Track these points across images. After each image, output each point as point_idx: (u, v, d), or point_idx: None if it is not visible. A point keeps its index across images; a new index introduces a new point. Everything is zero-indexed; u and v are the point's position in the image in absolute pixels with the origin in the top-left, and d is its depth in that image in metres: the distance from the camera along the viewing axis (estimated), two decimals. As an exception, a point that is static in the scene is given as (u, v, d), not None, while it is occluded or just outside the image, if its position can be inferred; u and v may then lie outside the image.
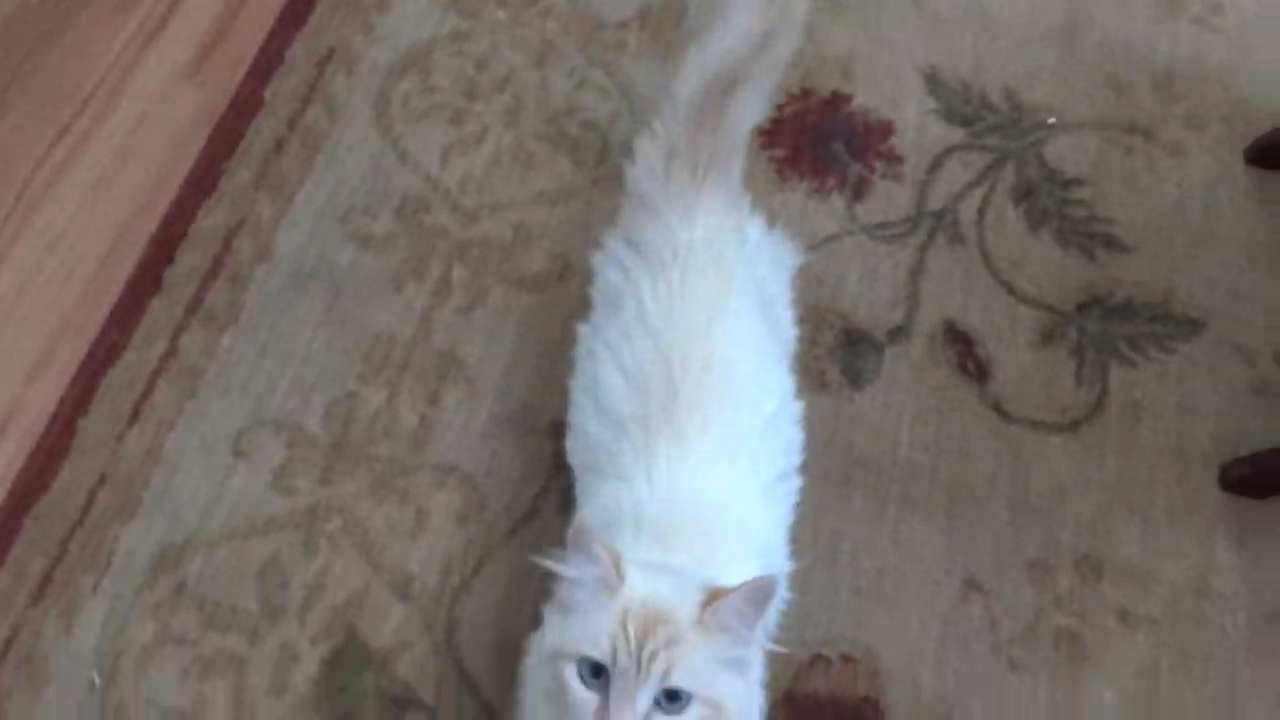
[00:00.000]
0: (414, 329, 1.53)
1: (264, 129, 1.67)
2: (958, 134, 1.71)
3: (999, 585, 1.38)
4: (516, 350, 1.52)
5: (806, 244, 1.48)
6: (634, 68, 1.74)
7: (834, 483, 1.43)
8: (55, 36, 1.73)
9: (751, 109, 1.28)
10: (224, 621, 1.33)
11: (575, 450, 1.21)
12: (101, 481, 1.41)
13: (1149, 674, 1.34)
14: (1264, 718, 1.32)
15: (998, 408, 1.50)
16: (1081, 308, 1.58)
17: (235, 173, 1.63)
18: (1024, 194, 1.67)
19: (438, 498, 1.41)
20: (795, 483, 1.19)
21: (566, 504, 1.41)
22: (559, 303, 1.56)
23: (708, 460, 1.09)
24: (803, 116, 1.72)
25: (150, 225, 1.59)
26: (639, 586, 0.93)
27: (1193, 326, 1.57)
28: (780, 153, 1.68)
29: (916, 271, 1.60)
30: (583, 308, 1.53)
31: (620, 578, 0.93)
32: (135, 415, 1.45)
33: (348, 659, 1.32)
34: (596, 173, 1.66)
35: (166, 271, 1.55)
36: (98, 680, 1.29)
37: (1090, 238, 1.64)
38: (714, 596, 0.92)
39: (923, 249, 1.62)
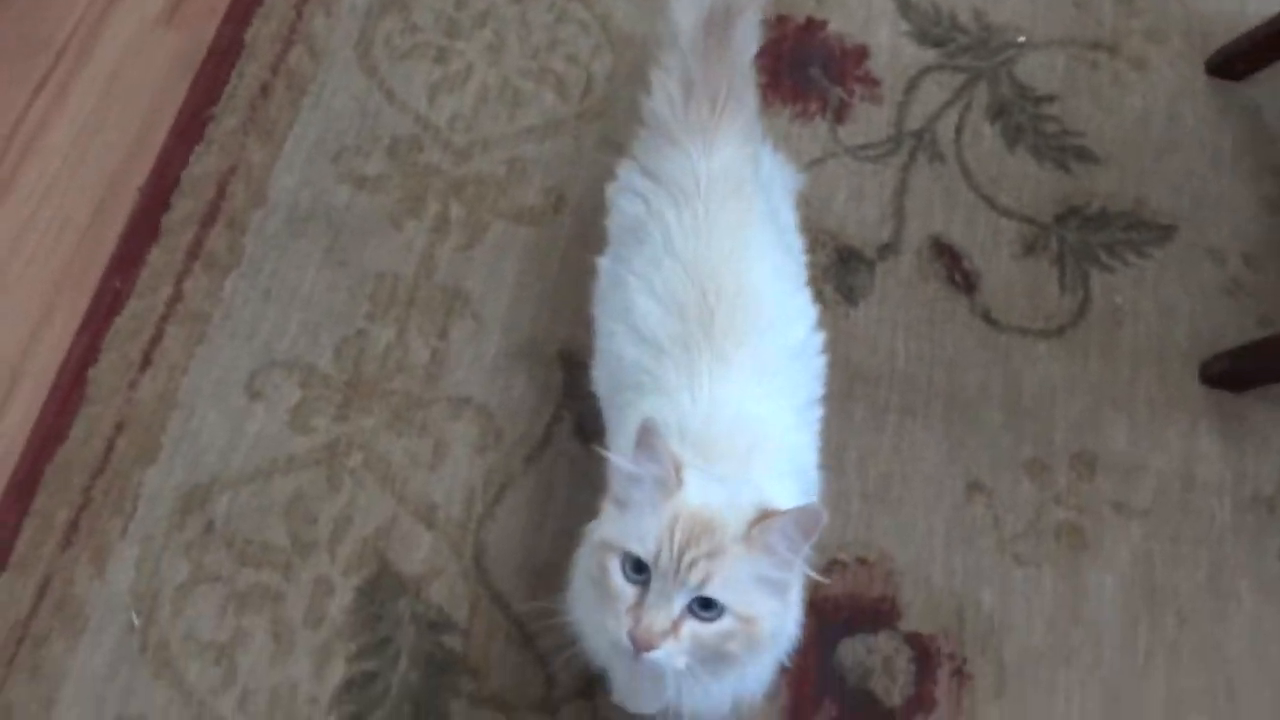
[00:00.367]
0: (416, 267, 1.54)
1: (247, 73, 1.66)
2: (931, 55, 1.76)
3: (999, 485, 1.45)
4: (519, 283, 1.54)
5: (795, 168, 1.52)
6: (613, 1, 1.76)
7: (836, 396, 1.47)
8: (19, -12, 1.70)
9: (751, 35, 1.31)
10: (256, 558, 1.35)
11: (607, 376, 1.24)
12: (119, 428, 1.41)
13: (1144, 560, 1.42)
14: (1253, 595, 1.40)
15: (986, 317, 1.56)
16: (1060, 218, 1.64)
17: (222, 119, 1.63)
18: (998, 112, 1.72)
19: (455, 429, 1.44)
20: (820, 411, 1.23)
21: (580, 430, 1.44)
22: (556, 235, 1.58)
23: (747, 379, 1.12)
24: (779, 43, 1.75)
25: (139, 174, 1.58)
26: (694, 493, 0.97)
27: (1165, 232, 1.64)
28: (761, 79, 1.71)
29: (900, 190, 1.65)
30: (580, 238, 1.57)
31: (678, 481, 0.96)
32: (146, 362, 1.45)
33: (381, 587, 1.35)
34: (581, 106, 1.68)
35: (163, 219, 1.54)
36: (136, 620, 1.31)
37: (1063, 151, 1.69)
38: (763, 516, 0.95)
39: (905, 168, 1.66)
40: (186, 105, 1.63)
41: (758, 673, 1.05)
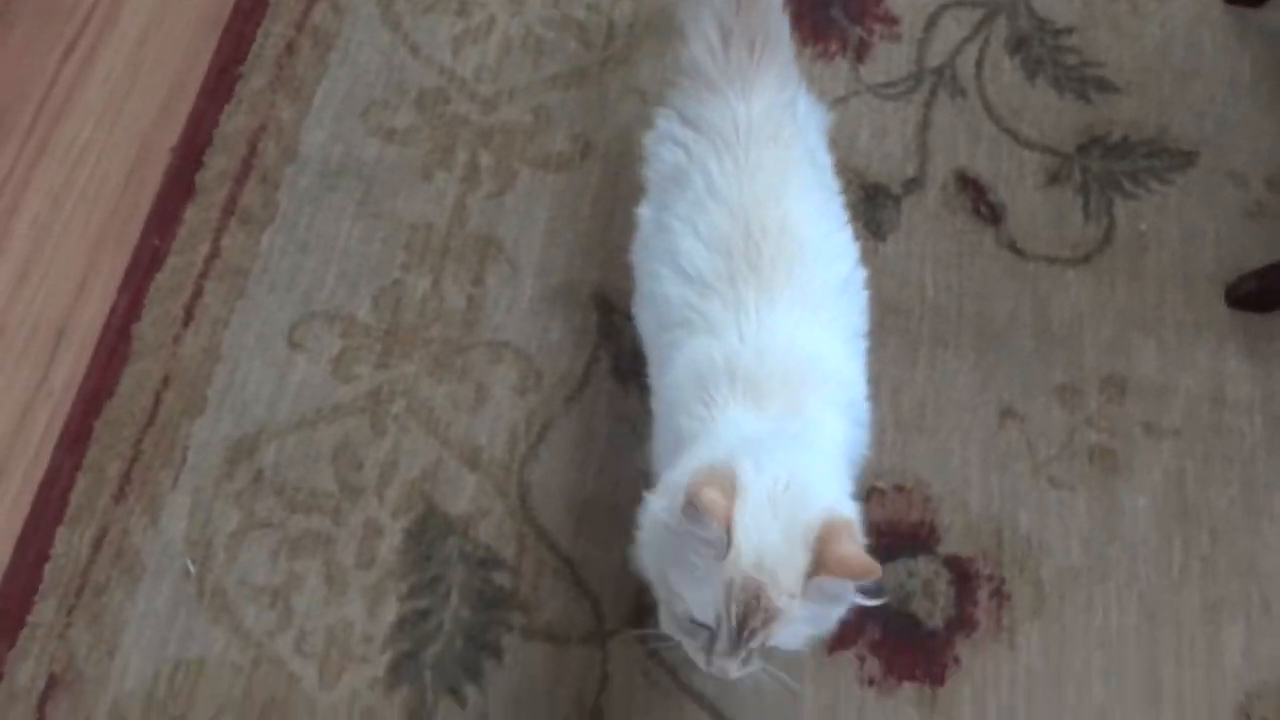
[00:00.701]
0: (448, 216, 1.56)
1: (273, 32, 1.68)
2: (949, -9, 1.77)
3: (1031, 410, 1.47)
4: (550, 229, 1.56)
5: (825, 108, 1.53)
6: (631, -53, 1.77)
7: (871, 329, 1.50)
8: (46, -46, 1.71)
9: None
10: (305, 504, 1.38)
11: (653, 317, 1.24)
12: (165, 382, 1.44)
13: (1176, 479, 1.44)
14: (1283, 508, 1.43)
15: (1013, 247, 1.58)
16: (1082, 148, 1.65)
17: (250, 78, 1.64)
18: (1017, 45, 1.73)
19: (495, 373, 1.46)
20: (866, 343, 1.24)
21: (617, 370, 1.47)
22: (586, 181, 1.60)
23: (795, 313, 1.14)
24: (798, -15, 1.76)
25: (172, 134, 1.60)
26: (746, 550, 0.96)
27: (1187, 159, 1.65)
28: (782, 21, 1.72)
29: (923, 126, 1.66)
30: (609, 184, 1.59)
31: (728, 543, 0.96)
32: (189, 317, 1.48)
33: (429, 528, 1.37)
34: (604, 54, 1.69)
35: (197, 176, 1.56)
36: (192, 567, 1.34)
37: (1083, 82, 1.70)
38: (826, 541, 0.96)
39: (927, 104, 1.68)
40: (214, 65, 1.64)
41: (830, 625, 1.06)
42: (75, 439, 1.40)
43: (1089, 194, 1.62)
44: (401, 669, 1.30)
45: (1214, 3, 1.77)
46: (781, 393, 1.10)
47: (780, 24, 1.30)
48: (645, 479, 1.17)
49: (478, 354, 1.47)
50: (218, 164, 1.58)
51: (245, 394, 1.44)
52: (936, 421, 1.46)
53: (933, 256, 1.57)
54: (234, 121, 1.61)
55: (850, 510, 1.03)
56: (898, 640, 1.33)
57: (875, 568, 0.95)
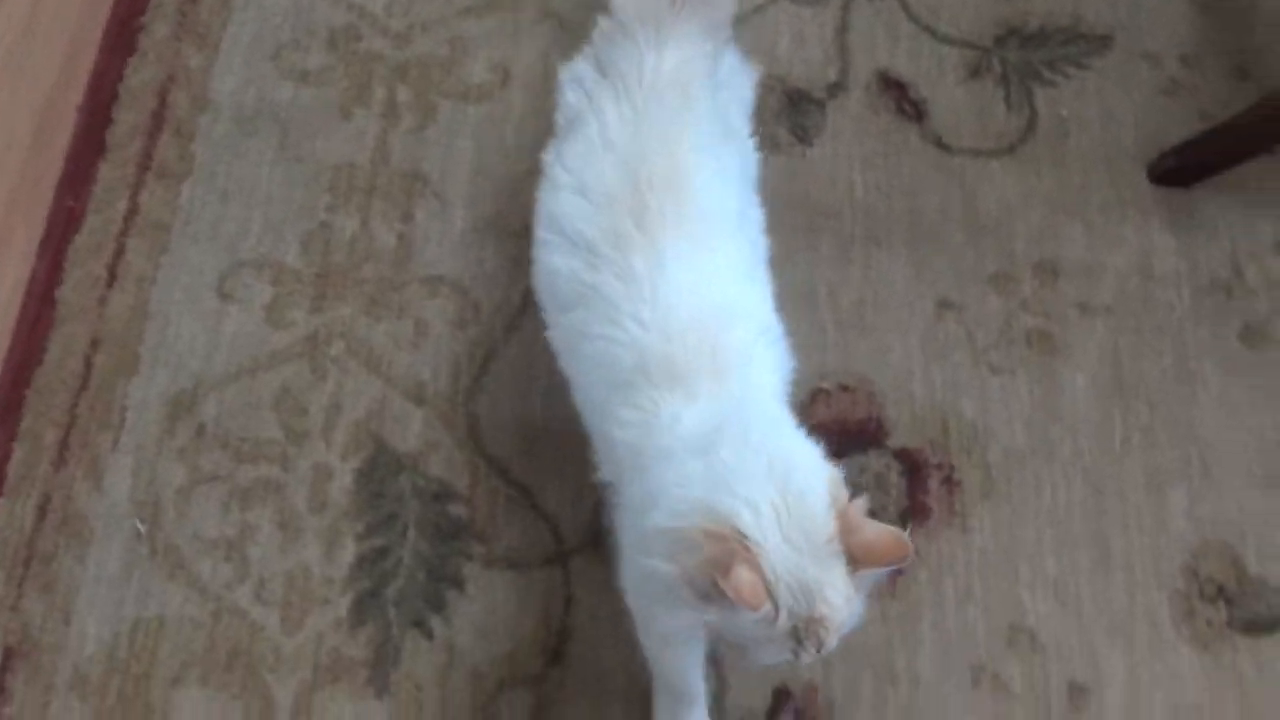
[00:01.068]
0: (371, 154, 1.54)
1: (171, -20, 1.63)
2: (857, -107, 1.75)
3: (967, 300, 1.49)
4: (476, 160, 1.55)
5: (736, 16, 1.52)
6: None
7: (801, 232, 1.51)
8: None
9: None
10: (251, 453, 1.36)
11: (548, 295, 1.19)
12: (95, 345, 1.41)
13: (1111, 355, 1.47)
14: (1217, 375, 1.46)
15: (938, 143, 1.58)
16: (999, 40, 1.66)
17: (152, 28, 1.60)
18: (928, -58, 1.72)
19: (432, 307, 1.45)
20: (766, 257, 1.22)
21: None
22: (507, 109, 1.58)
23: (689, 274, 1.09)
24: (705, -103, 1.74)
25: (76, 91, 1.55)
26: (795, 600, 0.92)
27: (1102, 43, 1.66)
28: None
29: (842, 29, 1.66)
30: (532, 110, 1.58)
31: (776, 608, 0.92)
32: (113, 277, 1.44)
33: (380, 467, 1.37)
34: (516, -21, 1.67)
35: (107, 133, 1.52)
36: (141, 527, 1.32)
37: (996, -26, 1.71)
38: (846, 536, 0.93)
39: (845, 7, 1.67)
40: (114, 17, 1.60)
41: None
42: (6, 409, 1.37)
43: (1009, 85, 1.63)
44: (364, 608, 1.30)
45: (1118, -113, 1.77)
46: (705, 371, 1.06)
47: None
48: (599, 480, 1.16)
49: (413, 290, 1.46)
50: (127, 119, 1.54)
51: (179, 349, 1.42)
52: (875, 319, 1.47)
53: (860, 157, 1.57)
54: (140, 74, 1.57)
55: (828, 469, 1.00)
56: (854, 534, 1.35)
57: (904, 542, 0.94)
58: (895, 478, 1.39)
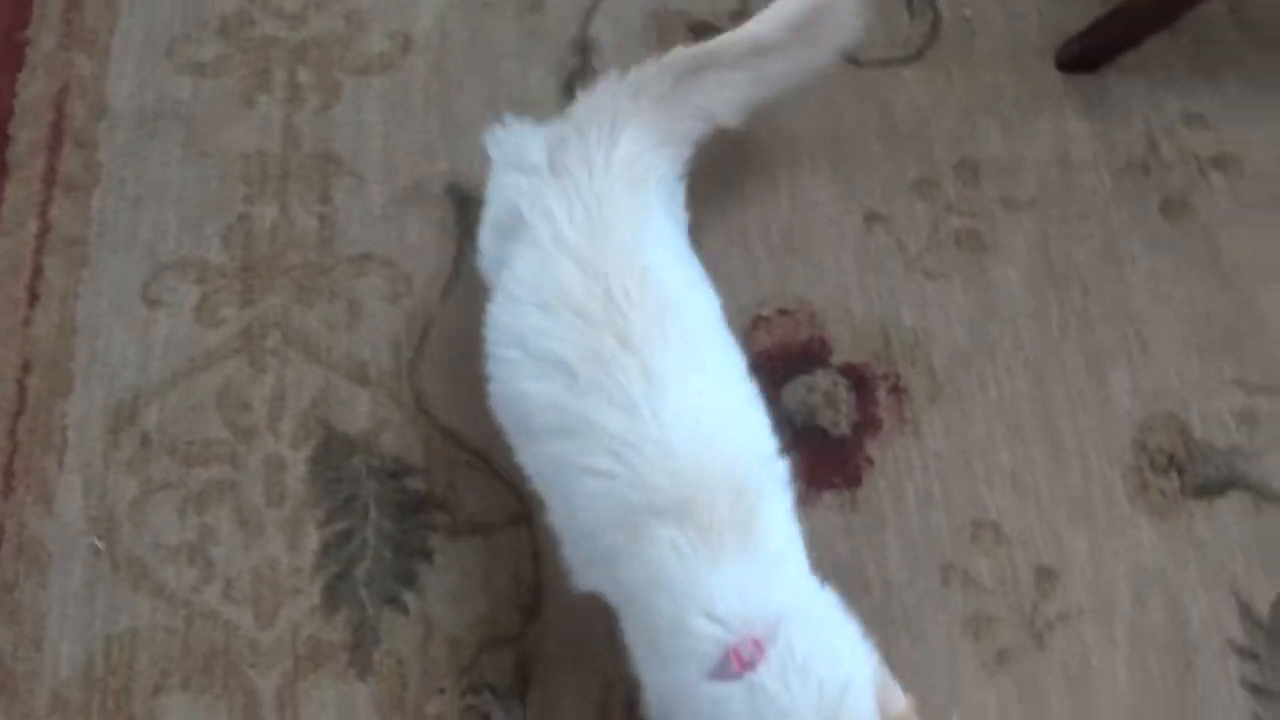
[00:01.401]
0: (280, 140, 1.52)
1: (50, -12, 1.59)
2: None
3: (894, 210, 1.50)
4: (387, 132, 1.53)
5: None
6: None
7: (724, 163, 1.50)
8: None
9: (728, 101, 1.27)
10: (201, 456, 1.35)
11: (515, 420, 1.11)
12: (26, 368, 1.38)
13: (1040, 246, 1.49)
14: (1145, 252, 1.48)
15: (848, 58, 1.58)
16: (894, -52, 1.66)
17: (38, 40, 1.56)
18: None
19: (363, 286, 1.44)
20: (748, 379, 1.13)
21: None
22: (411, 76, 1.57)
23: (685, 376, 1.02)
24: None
25: (-31, 115, 1.51)
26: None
27: (987, -63, 1.67)
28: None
29: (737, -42, 1.65)
30: (437, 72, 1.56)
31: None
32: (34, 297, 1.42)
33: (332, 452, 1.36)
34: (404, -55, 1.64)
35: (7, 153, 1.49)
36: (99, 544, 1.31)
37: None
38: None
39: (735, -64, 1.66)
40: (-4, 34, 1.55)
41: None
42: (-55, 444, 1.34)
43: (910, -8, 1.63)
44: (336, 592, 1.29)
45: None
46: (727, 525, 0.97)
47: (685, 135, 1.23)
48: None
49: (341, 271, 1.44)
50: (25, 136, 1.50)
51: (112, 361, 1.39)
52: (806, 241, 1.48)
53: (770, 81, 1.57)
54: (32, 89, 1.53)
55: (874, 667, 0.96)
56: (810, 455, 1.36)
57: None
58: (844, 393, 1.40)
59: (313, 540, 1.32)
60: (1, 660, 1.26)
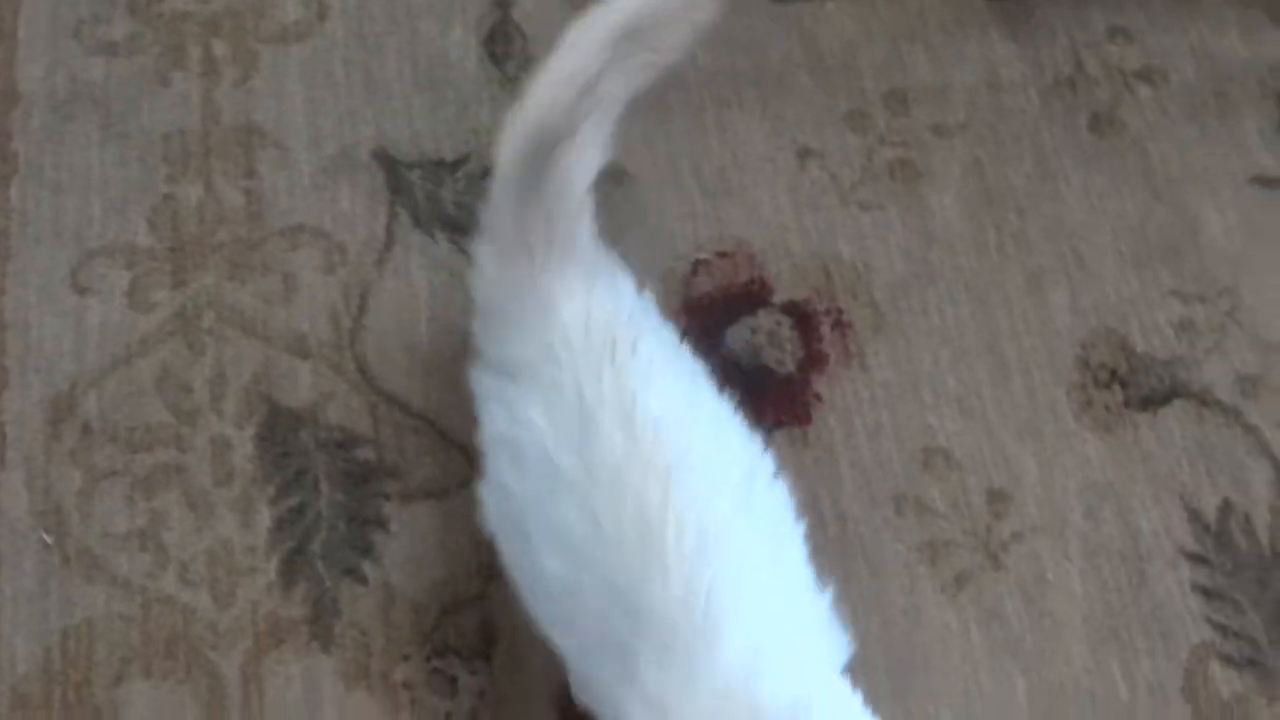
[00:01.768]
0: (199, 116, 1.48)
1: (-52, -25, 1.54)
2: None
3: (827, 144, 1.50)
4: (309, 100, 1.50)
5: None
6: None
7: (651, 109, 1.49)
8: None
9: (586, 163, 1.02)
10: (144, 441, 1.33)
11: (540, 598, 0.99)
12: (-44, 367, 1.36)
13: (974, 169, 1.49)
14: (1076, 169, 1.49)
15: (771, -6, 1.58)
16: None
17: (-60, 29, 1.51)
18: None
19: (296, 258, 1.42)
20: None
21: (419, 221, 1.43)
22: (330, 42, 1.53)
23: (741, 578, 0.88)
24: None
25: (-125, 112, 1.47)
26: None
27: None
28: None
29: (653, -103, 1.62)
30: (356, 37, 1.53)
31: None
32: (-42, 295, 1.39)
33: (278, 427, 1.34)
34: (308, -93, 1.60)
35: (-82, 149, 1.45)
36: (48, 538, 1.29)
37: None
38: None
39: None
40: (-105, 26, 1.51)
41: None
42: (-120, 450, 1.32)
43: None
44: (292, 567, 1.29)
45: None
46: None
47: (572, 215, 1.01)
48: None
49: (273, 245, 1.42)
50: (-64, 129, 1.46)
51: (46, 353, 1.37)
52: (740, 181, 1.48)
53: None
54: (-62, 80, 1.49)
55: None
56: (759, 395, 1.36)
57: None
58: (787, 331, 1.40)
59: (265, 517, 1.31)
60: (-43, 663, 1.25)
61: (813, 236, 1.45)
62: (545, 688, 1.23)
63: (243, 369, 1.37)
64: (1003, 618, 1.27)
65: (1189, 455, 1.35)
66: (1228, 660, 1.25)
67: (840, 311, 1.41)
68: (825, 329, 1.40)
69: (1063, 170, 1.49)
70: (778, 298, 1.42)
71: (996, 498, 1.33)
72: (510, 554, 1.01)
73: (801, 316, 1.41)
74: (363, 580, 1.28)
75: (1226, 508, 1.32)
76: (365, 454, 1.34)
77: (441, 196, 1.45)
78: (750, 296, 1.42)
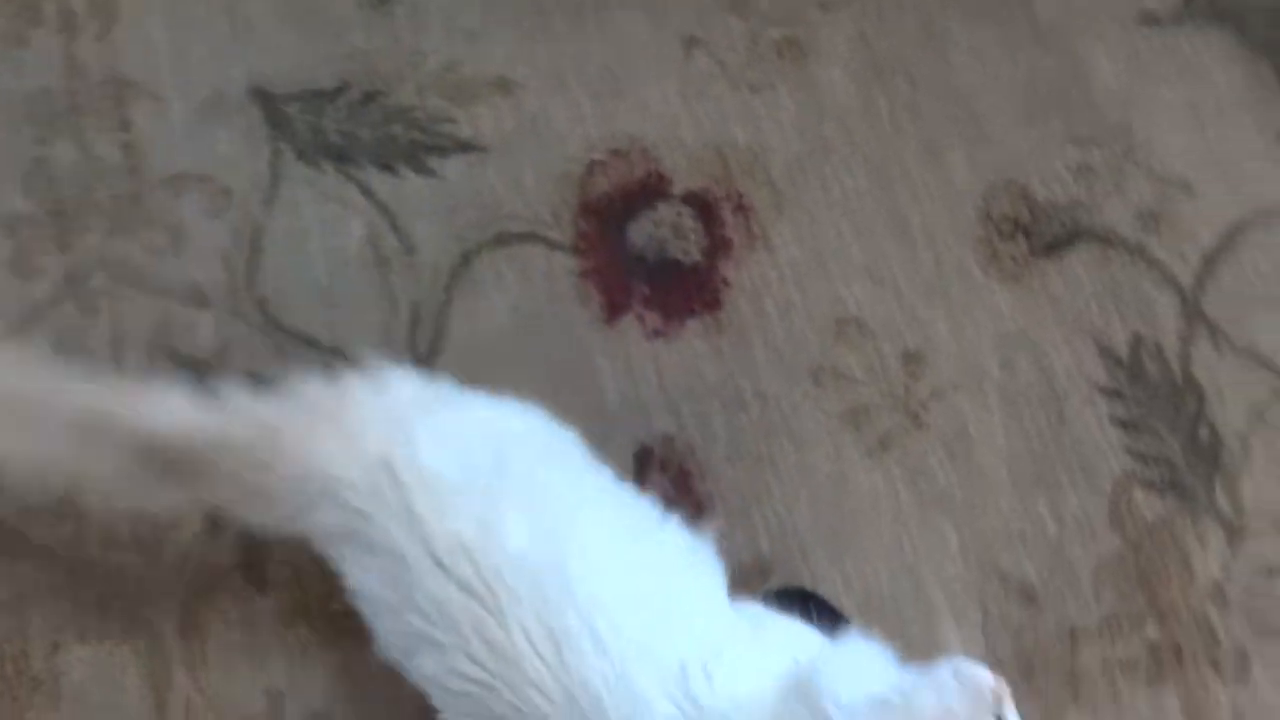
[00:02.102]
0: (62, 73, 1.43)
1: None
2: None
3: (711, 31, 1.48)
4: (174, 45, 1.45)
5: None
6: None
7: (530, 14, 1.47)
8: None
9: None
10: (49, 409, 1.30)
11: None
12: None
13: (861, 42, 1.49)
14: (963, 29, 1.49)
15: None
16: None
17: None
18: None
19: (182, 207, 1.38)
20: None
21: (302, 155, 1.40)
22: (189, -17, 1.49)
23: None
24: None
25: None
26: None
27: None
28: None
29: None
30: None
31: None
32: None
33: (185, 379, 1.31)
34: None
35: None
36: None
37: None
38: None
39: None
40: None
41: None
42: None
43: None
44: (215, 525, 1.27)
45: None
46: None
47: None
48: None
49: (156, 196, 1.38)
50: None
51: (-66, 333, 1.33)
52: (626, 78, 1.46)
53: (565, -77, 1.52)
54: None
55: None
56: (667, 287, 1.36)
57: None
58: (689, 221, 1.39)
59: (184, 472, 1.28)
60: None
61: (705, 125, 1.43)
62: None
63: (141, 326, 1.34)
64: (929, 474, 1.28)
65: (1097, 295, 1.37)
66: (1150, 486, 1.28)
67: (740, 195, 1.40)
68: (727, 214, 1.39)
69: (950, 33, 1.48)
70: (676, 189, 1.40)
71: (912, 359, 1.34)
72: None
73: (702, 205, 1.40)
74: (290, 520, 1.27)
75: (1137, 341, 1.34)
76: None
77: (324, 126, 1.42)
78: (648, 191, 1.40)
